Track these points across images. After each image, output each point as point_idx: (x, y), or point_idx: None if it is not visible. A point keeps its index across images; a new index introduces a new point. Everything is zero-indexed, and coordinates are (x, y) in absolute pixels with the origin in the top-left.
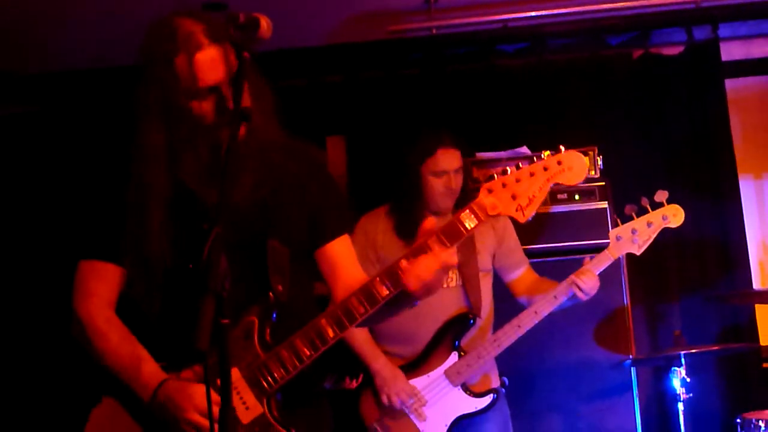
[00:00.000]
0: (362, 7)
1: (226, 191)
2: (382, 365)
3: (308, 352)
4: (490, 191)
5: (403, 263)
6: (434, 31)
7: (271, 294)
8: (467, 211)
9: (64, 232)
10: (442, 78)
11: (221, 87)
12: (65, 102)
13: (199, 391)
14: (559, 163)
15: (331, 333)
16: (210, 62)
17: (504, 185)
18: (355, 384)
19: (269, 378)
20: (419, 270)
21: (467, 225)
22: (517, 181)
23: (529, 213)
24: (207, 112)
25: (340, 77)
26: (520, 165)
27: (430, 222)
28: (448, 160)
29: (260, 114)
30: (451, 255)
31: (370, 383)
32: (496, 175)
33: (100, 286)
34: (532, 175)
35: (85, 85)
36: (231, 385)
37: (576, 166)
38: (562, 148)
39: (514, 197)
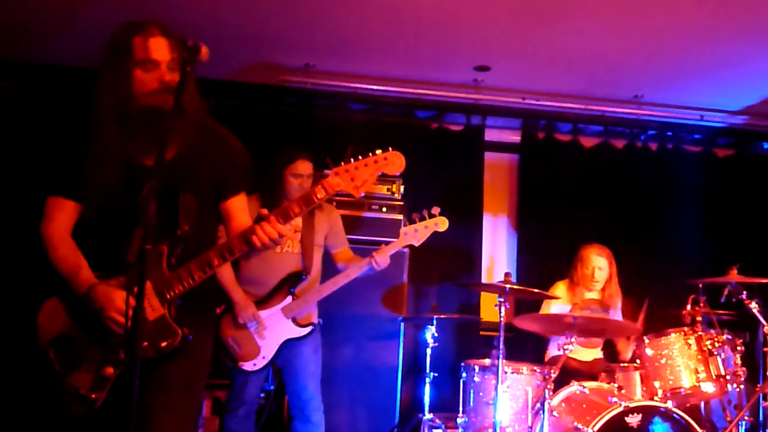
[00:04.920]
0: (260, 58)
1: (161, 157)
2: (240, 297)
3: (200, 273)
4: (336, 174)
5: (257, 229)
6: (309, 85)
7: (178, 231)
8: (320, 186)
9: (39, 175)
10: (309, 118)
11: (163, 65)
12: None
13: (119, 295)
14: (385, 159)
15: (216, 262)
16: (159, 44)
17: (346, 171)
18: (218, 311)
19: (170, 289)
20: (263, 236)
21: (318, 195)
22: (356, 168)
23: (363, 190)
24: (150, 84)
25: (242, 104)
26: (360, 158)
27: (264, 211)
28: (304, 167)
29: (192, 107)
30: (283, 231)
31: (229, 310)
32: (342, 163)
33: (61, 215)
34: (366, 165)
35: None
36: (145, 292)
37: (397, 162)
38: (390, 148)
39: (352, 179)
